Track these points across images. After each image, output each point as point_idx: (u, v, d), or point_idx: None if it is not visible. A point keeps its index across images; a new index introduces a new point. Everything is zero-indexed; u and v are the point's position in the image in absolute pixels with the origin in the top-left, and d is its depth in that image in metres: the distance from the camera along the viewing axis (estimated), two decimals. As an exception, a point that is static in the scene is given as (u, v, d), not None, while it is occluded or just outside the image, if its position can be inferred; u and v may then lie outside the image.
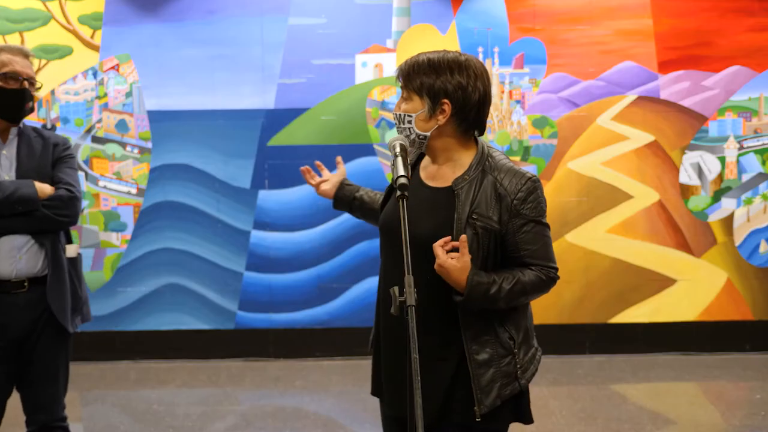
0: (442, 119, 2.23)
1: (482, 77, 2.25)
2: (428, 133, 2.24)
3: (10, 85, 2.98)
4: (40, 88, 3.11)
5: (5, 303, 2.98)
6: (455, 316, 2.22)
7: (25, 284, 3.01)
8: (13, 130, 3.07)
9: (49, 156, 3.09)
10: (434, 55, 2.24)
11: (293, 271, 5.61)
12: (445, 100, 2.21)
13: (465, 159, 2.27)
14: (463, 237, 2.14)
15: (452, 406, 2.25)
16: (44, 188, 3.02)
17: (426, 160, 2.37)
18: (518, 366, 2.24)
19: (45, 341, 3.07)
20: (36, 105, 5.48)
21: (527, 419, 2.33)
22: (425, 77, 2.21)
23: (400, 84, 2.29)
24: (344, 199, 2.71)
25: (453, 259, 2.14)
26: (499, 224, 2.19)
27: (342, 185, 2.73)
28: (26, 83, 3.01)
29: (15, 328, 3.01)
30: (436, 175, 2.31)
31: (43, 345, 3.07)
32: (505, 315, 2.25)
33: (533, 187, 2.21)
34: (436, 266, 2.15)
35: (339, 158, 2.82)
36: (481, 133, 2.32)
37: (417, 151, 2.40)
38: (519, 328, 2.27)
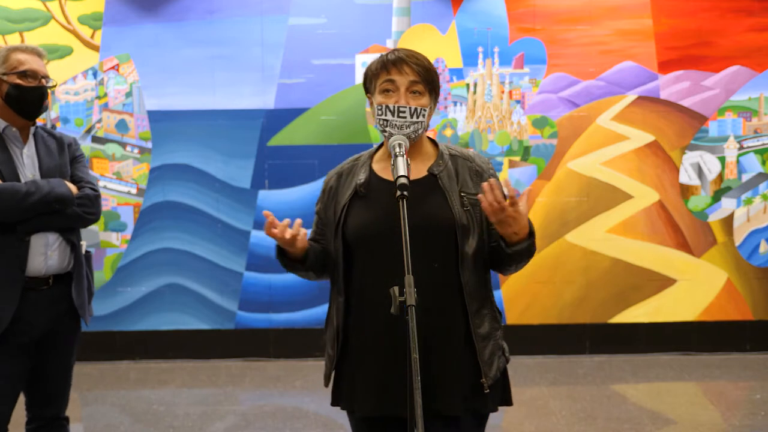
0: (431, 114, 2.38)
1: None
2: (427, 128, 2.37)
3: (29, 83, 3.00)
4: (54, 86, 3.14)
5: (33, 299, 3.01)
6: (463, 297, 2.27)
7: (50, 280, 3.04)
8: (30, 129, 3.10)
9: (66, 155, 3.14)
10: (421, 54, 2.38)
11: (293, 271, 5.61)
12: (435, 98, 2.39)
13: (430, 150, 2.41)
14: (528, 188, 2.27)
15: (465, 396, 2.27)
16: (71, 187, 3.07)
17: (379, 157, 2.43)
18: (502, 339, 2.36)
19: (64, 336, 3.12)
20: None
21: (509, 400, 2.41)
22: (435, 76, 2.35)
23: (412, 77, 2.30)
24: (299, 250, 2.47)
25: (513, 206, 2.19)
26: None
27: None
28: (43, 81, 3.04)
29: (40, 324, 3.04)
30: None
31: (62, 340, 3.12)
32: (491, 291, 2.38)
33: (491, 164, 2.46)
34: (513, 212, 2.16)
35: (266, 212, 2.44)
36: None
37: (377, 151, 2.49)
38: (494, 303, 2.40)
